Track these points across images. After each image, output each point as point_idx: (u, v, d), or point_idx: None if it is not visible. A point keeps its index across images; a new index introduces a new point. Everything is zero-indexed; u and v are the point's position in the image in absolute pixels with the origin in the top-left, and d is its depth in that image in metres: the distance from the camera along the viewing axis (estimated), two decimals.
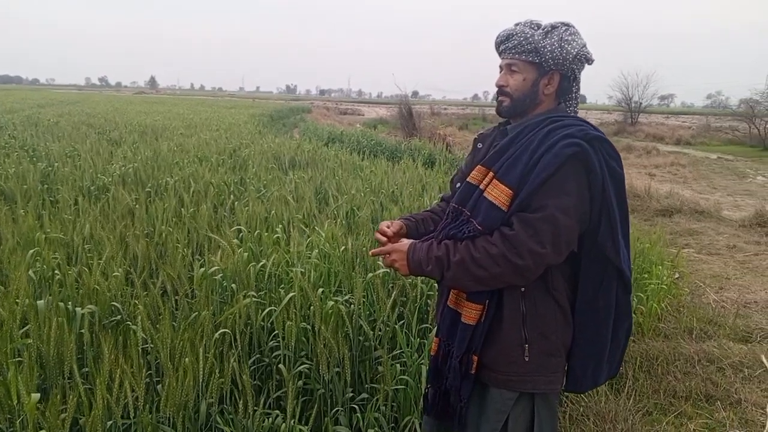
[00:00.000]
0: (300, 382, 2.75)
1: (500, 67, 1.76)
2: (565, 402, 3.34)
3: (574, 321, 1.71)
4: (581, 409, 3.28)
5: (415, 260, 1.69)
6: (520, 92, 1.71)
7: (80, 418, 2.22)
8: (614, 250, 1.62)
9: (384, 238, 1.86)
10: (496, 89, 1.76)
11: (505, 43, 1.70)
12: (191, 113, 25.85)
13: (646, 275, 4.83)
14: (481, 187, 1.63)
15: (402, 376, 2.77)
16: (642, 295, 4.49)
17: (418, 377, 2.72)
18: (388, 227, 1.90)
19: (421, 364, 2.78)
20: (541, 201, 1.54)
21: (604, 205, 1.59)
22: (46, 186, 6.41)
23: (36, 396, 2.00)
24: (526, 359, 1.67)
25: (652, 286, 4.63)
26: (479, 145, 1.88)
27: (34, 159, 8.18)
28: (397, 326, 3.05)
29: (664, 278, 4.87)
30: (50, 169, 7.35)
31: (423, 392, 2.20)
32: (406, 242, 1.76)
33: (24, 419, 2.05)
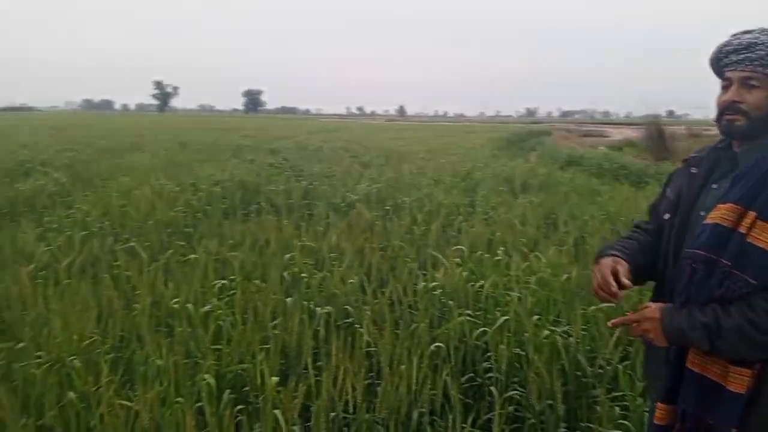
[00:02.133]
0: (511, 408, 2.71)
1: (726, 80, 1.50)
2: None
3: None
4: None
5: (674, 329, 1.45)
6: (761, 110, 1.45)
7: (310, 405, 2.51)
8: None
9: (619, 292, 1.54)
10: (722, 106, 1.51)
11: (743, 53, 1.46)
12: (433, 138, 27.32)
13: None
14: (741, 230, 1.38)
15: (622, 421, 2.54)
16: None
17: (641, 425, 2.47)
18: (620, 274, 1.55)
19: (645, 411, 2.51)
20: None
21: None
22: (306, 201, 7.41)
23: (275, 379, 2.34)
24: None
25: None
26: (693, 170, 1.62)
27: (300, 178, 9.51)
28: (620, 366, 2.81)
29: None
30: (311, 187, 8.47)
31: None
32: (653, 307, 1.51)
33: (264, 397, 2.41)
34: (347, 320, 3.41)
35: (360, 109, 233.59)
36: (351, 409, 2.49)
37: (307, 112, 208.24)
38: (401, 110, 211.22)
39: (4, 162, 11.02)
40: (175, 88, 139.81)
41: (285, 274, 3.91)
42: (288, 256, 4.28)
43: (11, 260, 4.37)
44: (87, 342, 2.83)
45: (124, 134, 24.15)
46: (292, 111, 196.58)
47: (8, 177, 9.10)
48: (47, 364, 2.64)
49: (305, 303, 3.33)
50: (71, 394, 2.42)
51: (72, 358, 2.66)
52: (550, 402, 2.57)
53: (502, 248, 4.59)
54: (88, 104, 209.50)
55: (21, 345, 2.84)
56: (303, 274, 3.89)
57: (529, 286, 3.48)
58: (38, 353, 2.76)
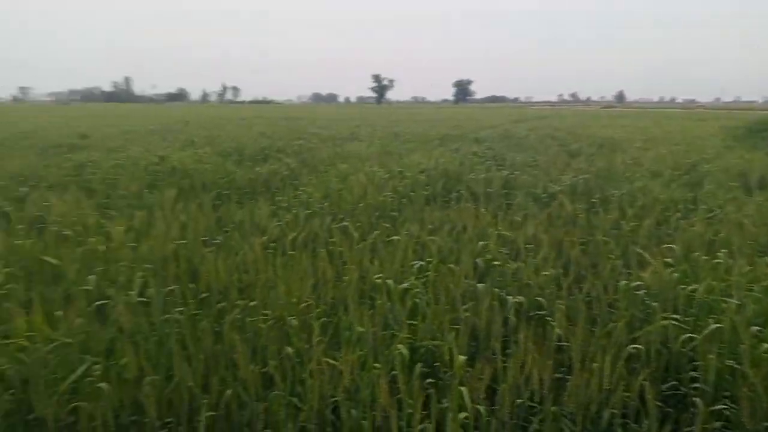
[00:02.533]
0: (717, 424, 2.46)
1: None
2: None
3: None
4: None
5: None
6: None
7: (496, 389, 2.57)
8: None
9: None
10: None
11: None
12: (654, 126, 24.92)
13: None
14: None
15: None
16: None
17: None
18: None
19: None
20: None
21: None
22: (505, 191, 7.39)
23: (463, 358, 2.44)
24: None
25: None
26: None
27: (501, 167, 9.48)
28: None
29: None
30: (512, 176, 8.40)
31: None
32: None
33: (452, 374, 2.53)
34: (539, 312, 3.38)
35: (573, 95, 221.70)
36: (537, 399, 2.49)
37: (516, 100, 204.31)
38: (620, 96, 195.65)
39: (248, 148, 12.85)
40: (391, 81, 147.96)
41: (478, 260, 4.00)
42: (482, 243, 4.36)
43: (249, 232, 5.15)
44: (303, 305, 3.25)
45: (344, 125, 26.35)
46: (500, 100, 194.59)
47: (251, 161, 10.62)
48: (272, 321, 3.10)
49: (496, 290, 3.38)
50: (288, 349, 2.82)
51: (291, 318, 3.08)
52: (767, 424, 2.28)
53: (724, 250, 4.09)
54: (316, 97, 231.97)
55: (253, 303, 3.37)
56: (496, 262, 3.94)
57: (752, 294, 3.07)
58: (265, 311, 3.25)
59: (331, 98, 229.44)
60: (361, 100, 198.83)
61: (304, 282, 3.56)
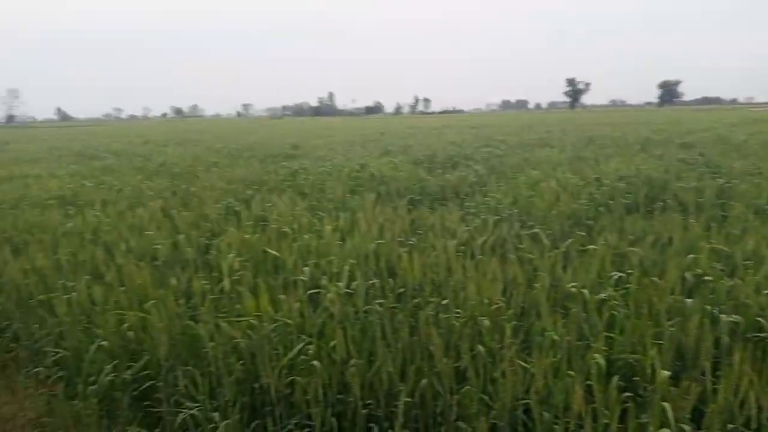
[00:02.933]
0: None
1: None
2: None
3: None
4: None
5: None
6: None
7: (703, 410, 2.38)
8: None
9: None
10: None
11: None
12: None
13: None
14: None
15: None
16: None
17: None
18: None
19: None
20: None
21: None
22: (720, 201, 6.63)
23: (666, 373, 2.31)
24: None
25: None
26: None
27: (715, 175, 8.51)
28: None
29: None
30: (728, 185, 7.50)
31: None
32: None
33: (654, 389, 2.40)
34: (759, 334, 3.02)
35: None
36: (754, 426, 2.25)
37: (733, 101, 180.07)
38: None
39: (438, 156, 13.26)
40: (587, 85, 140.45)
41: (687, 275, 3.68)
42: (691, 256, 4.00)
43: (440, 235, 5.35)
44: (494, 307, 3.31)
45: (534, 131, 25.74)
46: (714, 101, 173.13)
47: (441, 168, 10.95)
48: (463, 320, 3.22)
49: (707, 307, 3.09)
50: (480, 348, 2.91)
51: (482, 318, 3.17)
52: None
53: None
54: (505, 105, 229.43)
55: (445, 301, 3.52)
56: (707, 278, 3.59)
57: None
58: (457, 310, 3.38)
59: (521, 105, 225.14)
60: (553, 105, 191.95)
61: (493, 285, 3.62)
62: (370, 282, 3.83)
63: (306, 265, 4.18)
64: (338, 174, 10.13)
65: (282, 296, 3.46)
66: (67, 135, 41.21)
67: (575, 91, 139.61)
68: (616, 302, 3.28)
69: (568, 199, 6.65)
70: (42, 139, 34.35)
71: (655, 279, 3.61)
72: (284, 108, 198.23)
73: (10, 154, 19.49)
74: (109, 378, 3.46)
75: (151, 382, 3.43)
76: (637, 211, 6.29)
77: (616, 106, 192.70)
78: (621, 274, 3.81)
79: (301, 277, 3.99)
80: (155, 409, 3.42)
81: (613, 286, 3.59)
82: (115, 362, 3.51)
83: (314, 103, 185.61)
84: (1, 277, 4.69)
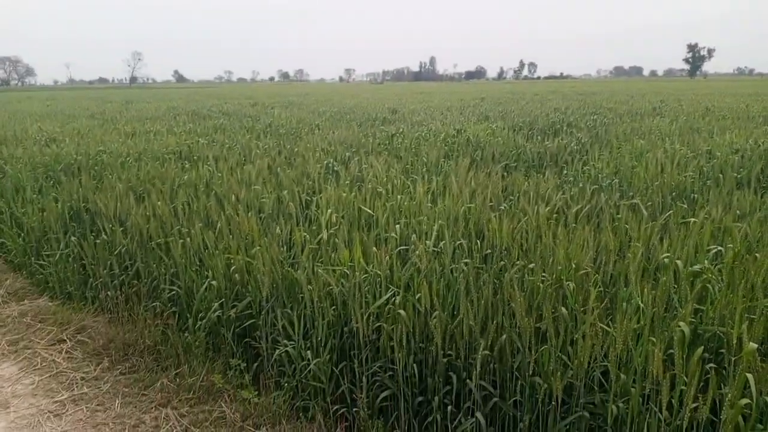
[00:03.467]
0: None
1: None
2: None
3: None
4: None
5: None
6: None
7: None
8: None
9: None
10: None
11: None
12: None
13: None
14: None
15: None
16: None
17: None
18: None
19: None
20: None
21: None
22: None
23: (754, 345, 2.26)
24: None
25: None
26: None
27: None
28: None
29: None
30: None
31: None
32: None
33: (739, 359, 2.36)
34: None
35: None
36: None
37: None
38: None
39: (539, 123, 12.90)
40: (710, 51, 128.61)
41: None
42: None
43: (533, 201, 5.33)
44: (582, 272, 3.32)
45: (646, 100, 24.17)
46: None
47: (540, 135, 10.70)
48: (548, 283, 3.26)
49: None
50: (563, 310, 2.95)
51: (568, 282, 3.20)
52: None
53: None
54: (618, 71, 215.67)
55: (532, 265, 3.57)
56: None
57: None
58: (543, 274, 3.43)
59: (635, 71, 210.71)
60: (670, 73, 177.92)
61: (583, 252, 3.61)
62: (458, 242, 3.94)
63: (397, 224, 4.36)
64: (434, 139, 10.19)
65: (374, 249, 3.67)
66: (183, 95, 44.00)
67: (696, 57, 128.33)
68: (710, 275, 3.17)
69: (674, 170, 6.32)
70: (160, 99, 36.93)
71: (759, 255, 3.43)
72: (385, 73, 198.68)
73: (133, 113, 21.20)
74: (216, 314, 3.88)
75: (253, 320, 3.80)
76: (749, 186, 5.88)
77: (743, 74, 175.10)
78: (720, 248, 3.65)
79: (392, 234, 4.18)
80: (255, 345, 3.81)
81: (710, 260, 3.47)
82: (221, 301, 3.92)
83: (415, 68, 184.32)
84: (127, 221, 5.27)
